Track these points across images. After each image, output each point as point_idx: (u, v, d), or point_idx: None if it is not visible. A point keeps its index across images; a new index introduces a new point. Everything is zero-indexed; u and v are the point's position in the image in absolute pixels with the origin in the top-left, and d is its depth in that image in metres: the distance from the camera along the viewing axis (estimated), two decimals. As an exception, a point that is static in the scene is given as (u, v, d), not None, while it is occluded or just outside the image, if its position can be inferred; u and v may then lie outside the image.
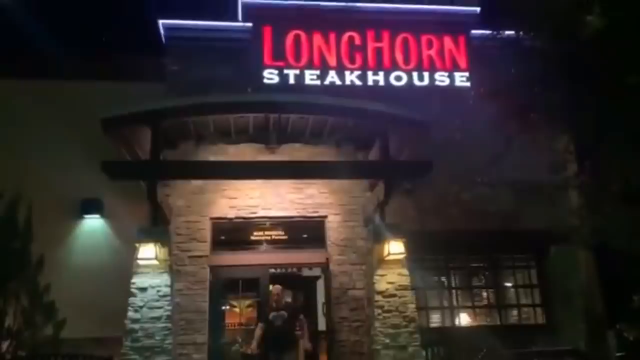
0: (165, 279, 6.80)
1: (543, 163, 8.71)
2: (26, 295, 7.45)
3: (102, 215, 8.74)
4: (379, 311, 7.17)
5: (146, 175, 6.88)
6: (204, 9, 9.67)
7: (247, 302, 9.36)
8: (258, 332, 6.96)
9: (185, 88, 8.25)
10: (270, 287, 7.50)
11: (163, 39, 9.54)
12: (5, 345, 7.15)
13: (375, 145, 7.90)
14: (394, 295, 7.21)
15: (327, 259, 8.35)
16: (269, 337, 6.85)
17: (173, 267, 7.28)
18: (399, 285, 7.28)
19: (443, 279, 9.19)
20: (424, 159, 7.36)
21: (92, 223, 8.74)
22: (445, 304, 8.99)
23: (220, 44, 9.24)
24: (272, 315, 6.96)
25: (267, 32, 9.41)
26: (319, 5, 9.72)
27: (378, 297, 7.24)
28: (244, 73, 8.88)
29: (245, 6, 9.56)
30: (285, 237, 8.60)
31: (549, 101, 6.98)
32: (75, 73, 9.07)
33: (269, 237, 8.55)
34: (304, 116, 7.71)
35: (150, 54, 9.78)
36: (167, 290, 6.77)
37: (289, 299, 7.36)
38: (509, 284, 9.44)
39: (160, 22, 9.51)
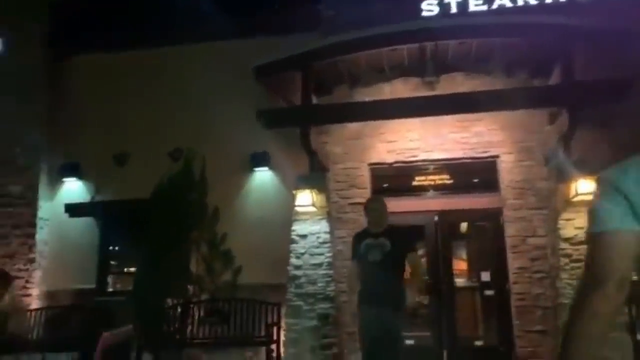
0: (324, 225, 6.66)
1: None
2: (206, 244, 7.97)
3: (270, 167, 8.92)
4: (566, 260, 6.17)
5: (298, 121, 6.73)
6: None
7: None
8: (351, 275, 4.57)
9: (339, 32, 7.84)
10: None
11: (315, -15, 9.26)
12: (191, 289, 7.76)
13: (556, 69, 6.68)
14: (583, 242, 6.13)
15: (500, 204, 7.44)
16: (361, 281, 4.37)
17: (333, 215, 7.11)
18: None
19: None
20: (617, 78, 6.00)
21: (261, 175, 8.97)
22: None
23: (374, -19, 8.64)
24: (364, 244, 4.36)
25: (424, -41, 8.52)
26: None
27: (564, 245, 6.24)
28: (401, 9, 8.18)
29: None
30: (451, 182, 7.86)
31: None
32: (232, 32, 9.23)
33: (432, 182, 7.89)
34: (466, 41, 6.80)
35: (302, 5, 9.61)
36: (327, 237, 6.62)
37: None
38: None
39: (312, -33, 9.24)
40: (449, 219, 7.68)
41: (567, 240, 6.25)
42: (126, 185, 8.82)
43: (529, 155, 7.46)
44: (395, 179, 7.98)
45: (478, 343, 7.36)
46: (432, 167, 7.89)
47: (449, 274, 7.43)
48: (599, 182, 1.32)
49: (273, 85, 6.95)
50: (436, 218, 7.62)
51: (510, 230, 7.37)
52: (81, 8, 9.86)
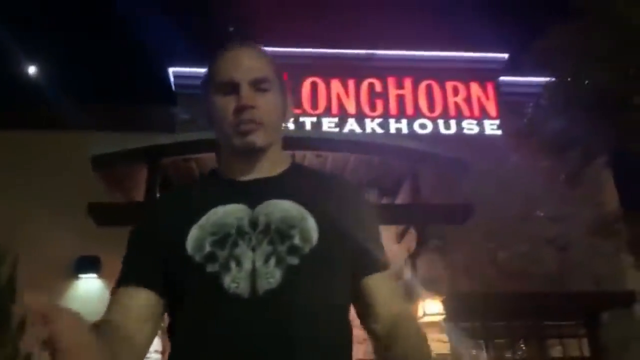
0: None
1: (590, 215, 7.83)
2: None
3: (100, 275, 7.86)
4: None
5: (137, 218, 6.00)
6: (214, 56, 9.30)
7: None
8: None
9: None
10: None
11: (173, 87, 9.10)
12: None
13: (404, 188, 7.01)
14: (434, 363, 6.06)
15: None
16: None
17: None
18: (437, 355, 6.10)
19: (479, 349, 7.97)
20: (461, 203, 6.48)
21: (88, 283, 7.85)
22: (485, 378, 7.71)
23: (232, 92, 8.76)
24: (197, 229, 1.14)
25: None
26: (337, 53, 9.26)
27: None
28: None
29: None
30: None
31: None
32: (77, 123, 8.40)
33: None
34: (322, 154, 6.87)
35: (160, 104, 9.35)
36: None
37: None
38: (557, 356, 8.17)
39: (171, 70, 9.13)
40: None
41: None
42: None
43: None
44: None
45: None
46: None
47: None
48: None
49: (113, 180, 6.21)
50: None
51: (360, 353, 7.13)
52: None
